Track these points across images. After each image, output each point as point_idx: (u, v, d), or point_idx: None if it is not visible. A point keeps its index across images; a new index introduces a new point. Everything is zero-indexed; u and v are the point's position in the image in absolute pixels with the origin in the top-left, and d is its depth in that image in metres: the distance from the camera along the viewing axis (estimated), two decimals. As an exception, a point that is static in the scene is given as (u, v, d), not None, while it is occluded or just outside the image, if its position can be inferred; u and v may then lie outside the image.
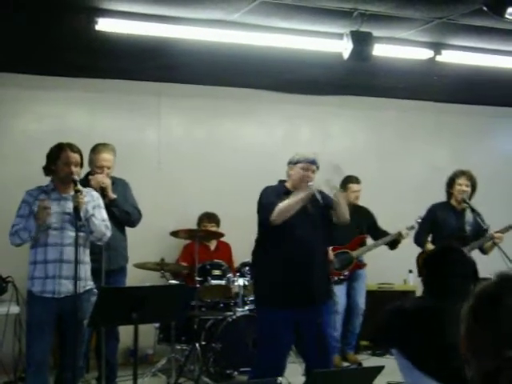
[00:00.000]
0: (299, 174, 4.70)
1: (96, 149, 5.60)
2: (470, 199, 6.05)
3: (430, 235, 6.21)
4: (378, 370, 3.39)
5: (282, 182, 4.87)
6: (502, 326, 1.50)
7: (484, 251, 6.05)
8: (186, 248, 6.88)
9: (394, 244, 6.66)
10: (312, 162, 4.72)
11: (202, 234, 6.52)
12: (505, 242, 5.91)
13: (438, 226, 6.08)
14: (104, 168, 5.50)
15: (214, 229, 6.89)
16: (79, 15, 5.16)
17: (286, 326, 4.54)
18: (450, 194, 6.15)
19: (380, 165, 8.07)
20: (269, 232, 4.64)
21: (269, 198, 4.64)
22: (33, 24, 5.39)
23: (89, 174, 5.47)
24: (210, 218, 6.96)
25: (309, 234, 4.60)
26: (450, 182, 6.12)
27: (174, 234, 6.29)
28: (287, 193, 4.67)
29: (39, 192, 4.67)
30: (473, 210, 5.98)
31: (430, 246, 6.06)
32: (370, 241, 6.91)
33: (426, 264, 3.45)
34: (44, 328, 4.56)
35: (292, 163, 4.79)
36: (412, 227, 6.40)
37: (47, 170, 4.74)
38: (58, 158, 4.65)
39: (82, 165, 4.75)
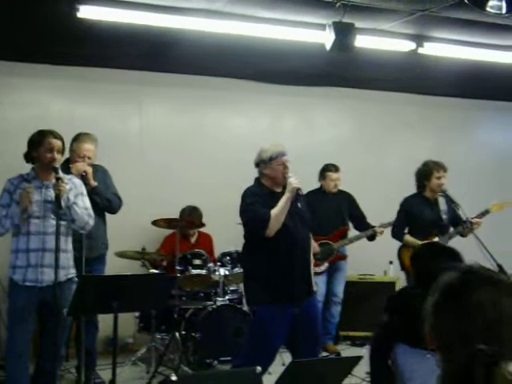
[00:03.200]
0: (278, 171, 4.51)
1: (78, 138, 5.55)
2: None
3: (407, 228, 6.21)
4: (357, 359, 3.43)
5: (258, 180, 4.64)
6: (470, 321, 1.51)
7: (462, 235, 6.11)
8: (166, 239, 6.85)
9: (372, 236, 6.70)
10: (284, 154, 4.53)
11: (183, 224, 6.50)
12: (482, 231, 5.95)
13: (415, 218, 6.09)
14: (85, 158, 5.47)
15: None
16: (61, 2, 5.12)
17: (284, 322, 4.43)
18: (423, 186, 6.16)
19: (364, 156, 8.10)
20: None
21: (258, 211, 4.43)
22: (14, 10, 5.34)
23: (67, 160, 5.43)
24: (190, 213, 6.85)
25: (299, 227, 4.53)
26: (427, 175, 6.11)
27: (155, 223, 6.27)
28: (270, 193, 4.54)
29: (20, 180, 4.64)
30: (452, 202, 6.03)
31: (409, 238, 6.07)
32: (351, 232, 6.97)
33: (413, 262, 3.52)
34: (25, 316, 4.55)
35: (265, 162, 4.54)
36: (388, 224, 6.44)
37: (28, 157, 4.71)
38: (40, 144, 4.61)
39: (63, 152, 4.73)
